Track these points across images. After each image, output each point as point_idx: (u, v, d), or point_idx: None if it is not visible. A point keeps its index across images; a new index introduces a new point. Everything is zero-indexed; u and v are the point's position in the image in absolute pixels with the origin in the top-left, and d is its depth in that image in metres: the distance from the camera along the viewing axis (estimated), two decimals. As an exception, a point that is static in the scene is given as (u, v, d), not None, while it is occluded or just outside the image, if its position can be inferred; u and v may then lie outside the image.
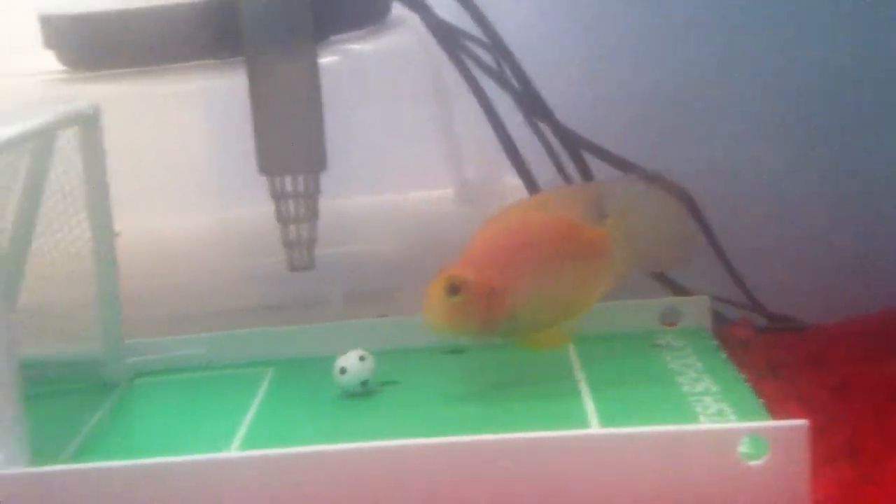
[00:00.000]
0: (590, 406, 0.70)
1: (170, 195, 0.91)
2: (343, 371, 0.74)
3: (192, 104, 0.91)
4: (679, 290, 0.90)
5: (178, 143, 0.91)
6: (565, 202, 0.73)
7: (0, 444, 0.63)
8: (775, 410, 0.67)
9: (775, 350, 0.82)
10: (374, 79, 0.92)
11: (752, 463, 0.60)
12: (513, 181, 0.95)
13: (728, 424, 0.64)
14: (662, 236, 0.73)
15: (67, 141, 0.75)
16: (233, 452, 0.67)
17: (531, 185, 0.92)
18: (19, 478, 0.62)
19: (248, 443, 0.69)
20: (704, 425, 0.64)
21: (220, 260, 0.90)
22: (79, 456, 0.69)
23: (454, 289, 0.69)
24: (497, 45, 0.91)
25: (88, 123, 0.75)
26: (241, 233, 0.90)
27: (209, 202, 0.91)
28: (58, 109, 0.72)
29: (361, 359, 0.74)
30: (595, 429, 0.66)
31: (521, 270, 0.70)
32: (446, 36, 0.91)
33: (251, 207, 0.88)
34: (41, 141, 0.73)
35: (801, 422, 0.59)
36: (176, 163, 0.91)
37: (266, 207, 0.87)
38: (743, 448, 0.60)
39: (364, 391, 0.74)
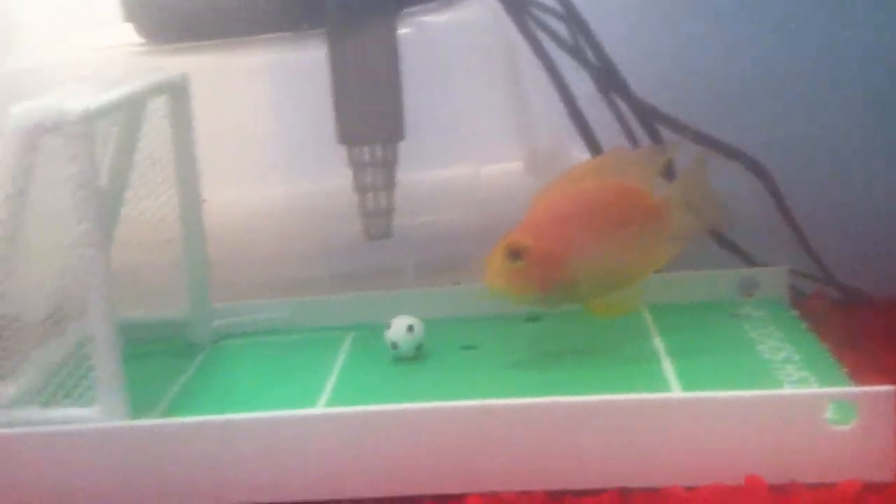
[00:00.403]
0: (670, 372, 0.70)
1: (248, 165, 0.93)
2: (395, 346, 0.76)
3: (270, 76, 0.92)
4: (752, 263, 0.89)
5: (257, 114, 0.93)
6: (624, 166, 0.74)
7: (99, 398, 0.66)
8: (857, 381, 0.67)
9: (852, 322, 0.82)
10: (447, 51, 0.92)
11: (839, 428, 0.60)
12: (581, 155, 0.95)
13: (816, 390, 0.65)
14: (715, 200, 0.75)
15: (157, 109, 0.77)
16: (324, 409, 0.69)
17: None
18: (117, 430, 0.65)
19: (334, 402, 0.70)
20: (792, 390, 0.65)
21: (298, 229, 0.92)
22: (169, 413, 0.71)
23: (515, 254, 0.71)
24: (572, 15, 0.91)
25: (178, 92, 0.76)
26: (319, 202, 0.92)
27: (288, 172, 0.93)
28: (149, 78, 0.73)
29: (389, 326, 0.76)
30: (680, 392, 0.67)
31: (578, 237, 0.71)
32: (518, 7, 0.91)
33: (329, 178, 0.90)
34: (131, 109, 0.75)
35: (888, 388, 0.60)
36: (255, 134, 0.92)
37: (343, 179, 0.88)
38: (829, 414, 0.61)
39: (414, 334, 0.76)
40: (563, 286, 0.71)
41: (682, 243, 0.73)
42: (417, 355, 0.76)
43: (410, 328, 0.76)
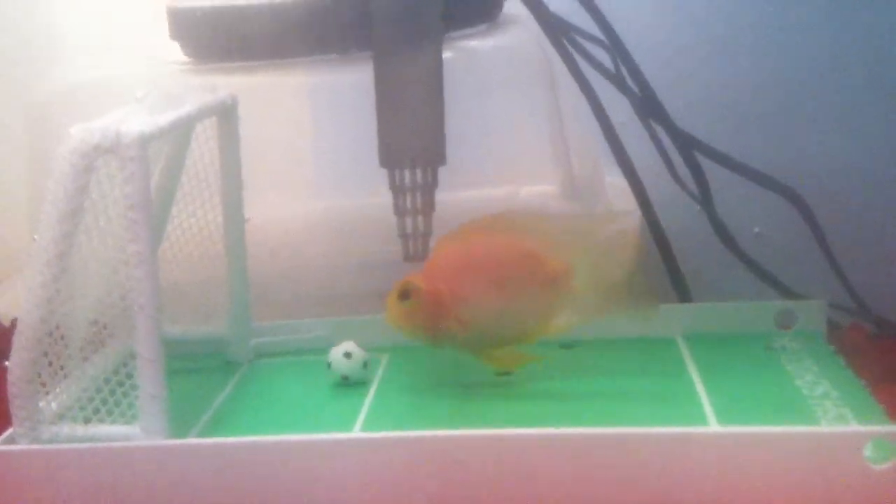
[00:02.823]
0: (706, 405, 0.70)
1: (290, 184, 0.94)
2: (346, 379, 0.78)
3: (315, 97, 0.93)
4: (787, 295, 0.89)
5: (298, 134, 0.94)
6: (532, 228, 0.75)
7: (141, 417, 0.66)
8: (894, 417, 0.67)
9: (890, 356, 0.82)
10: (488, 75, 0.93)
11: (878, 467, 0.60)
12: (615, 180, 0.96)
13: (854, 427, 0.65)
14: (629, 278, 0.74)
15: (205, 128, 0.78)
16: (363, 433, 0.69)
17: (636, 184, 0.93)
18: (157, 449, 0.66)
19: (369, 425, 0.71)
20: (830, 427, 0.65)
21: (336, 248, 0.92)
22: (209, 431, 0.72)
23: (405, 294, 0.75)
24: (613, 42, 0.92)
25: (227, 113, 0.77)
26: (358, 223, 0.93)
27: (328, 192, 0.94)
28: (201, 99, 0.74)
29: (347, 355, 0.78)
30: (716, 427, 0.67)
31: (470, 286, 0.74)
32: (559, 33, 0.91)
33: (369, 198, 0.90)
34: (182, 129, 0.76)
35: (928, 428, 0.60)
36: (297, 154, 0.94)
37: (384, 199, 0.89)
38: (867, 452, 0.60)
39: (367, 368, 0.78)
40: (449, 332, 0.75)
41: (581, 311, 0.74)
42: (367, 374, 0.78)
43: (366, 365, 0.78)
